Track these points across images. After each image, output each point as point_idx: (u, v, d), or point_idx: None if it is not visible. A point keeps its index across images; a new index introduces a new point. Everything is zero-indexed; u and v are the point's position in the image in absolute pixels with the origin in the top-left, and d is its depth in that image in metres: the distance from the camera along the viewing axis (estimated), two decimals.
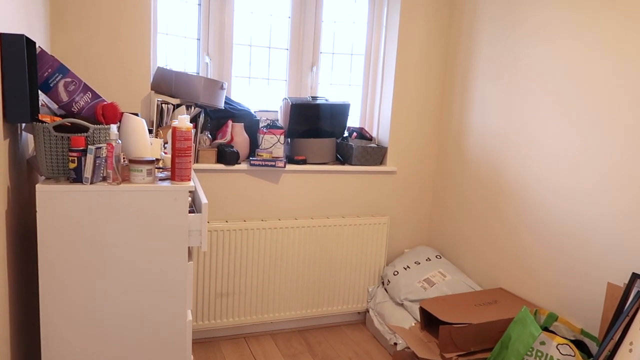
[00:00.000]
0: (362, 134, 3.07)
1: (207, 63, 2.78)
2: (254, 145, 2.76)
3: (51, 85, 1.67)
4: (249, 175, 2.72)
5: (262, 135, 2.70)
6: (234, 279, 2.70)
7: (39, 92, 1.67)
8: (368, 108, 3.14)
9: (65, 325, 1.60)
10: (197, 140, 2.57)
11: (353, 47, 3.09)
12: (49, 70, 1.66)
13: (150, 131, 2.42)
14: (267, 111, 2.98)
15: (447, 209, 3.04)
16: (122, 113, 1.74)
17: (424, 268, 2.84)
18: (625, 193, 1.98)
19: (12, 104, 1.46)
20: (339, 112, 2.89)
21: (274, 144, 2.71)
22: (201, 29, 2.75)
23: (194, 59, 2.79)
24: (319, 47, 3.00)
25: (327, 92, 3.09)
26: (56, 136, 1.54)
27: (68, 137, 1.55)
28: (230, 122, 2.64)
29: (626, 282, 1.96)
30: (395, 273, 2.87)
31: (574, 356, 1.90)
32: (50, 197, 1.52)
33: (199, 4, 2.74)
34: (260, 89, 2.98)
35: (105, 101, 1.73)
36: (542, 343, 1.96)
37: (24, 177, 1.75)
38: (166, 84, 2.50)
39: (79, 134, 1.55)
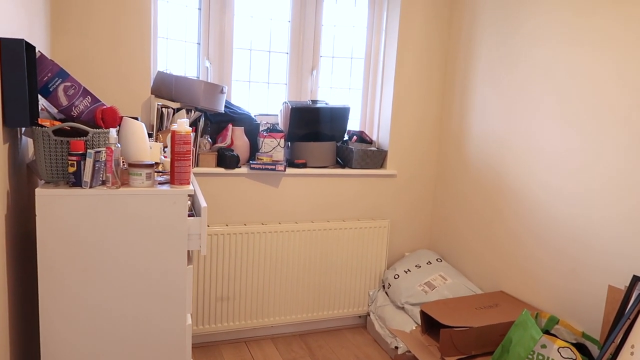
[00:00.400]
0: (362, 138, 3.07)
1: (207, 67, 2.79)
2: (254, 149, 2.76)
3: (51, 89, 1.67)
4: (249, 179, 2.72)
5: (262, 139, 2.70)
6: (234, 283, 2.70)
7: (39, 96, 1.68)
8: (368, 111, 3.15)
9: (64, 329, 1.60)
10: (197, 144, 2.57)
11: (353, 51, 3.09)
12: (49, 74, 1.66)
13: (150, 135, 2.42)
14: (267, 115, 2.98)
15: (448, 212, 3.03)
16: (122, 117, 1.75)
17: (425, 271, 2.83)
18: (626, 196, 1.98)
19: (12, 108, 1.46)
20: (339, 115, 2.89)
21: (274, 148, 2.71)
22: (201, 33, 2.76)
23: (194, 63, 2.79)
24: (319, 51, 3.00)
25: (327, 96, 3.09)
26: (56, 140, 1.54)
27: (67, 141, 1.55)
28: (230, 126, 2.65)
29: (627, 284, 1.95)
30: (396, 276, 2.86)
31: (575, 359, 1.89)
32: (50, 201, 1.52)
33: (199, 9, 2.75)
34: (261, 93, 2.98)
35: (105, 105, 1.73)
36: (543, 346, 1.95)
37: (24, 181, 1.75)
38: (166, 88, 2.51)
39: (79, 138, 1.55)
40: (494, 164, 2.66)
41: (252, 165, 2.65)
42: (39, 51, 1.66)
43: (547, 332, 2.15)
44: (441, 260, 2.94)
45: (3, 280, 1.47)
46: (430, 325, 2.44)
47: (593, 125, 2.10)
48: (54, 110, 1.81)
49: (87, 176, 1.54)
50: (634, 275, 1.85)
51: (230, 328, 2.73)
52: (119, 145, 1.62)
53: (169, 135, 1.75)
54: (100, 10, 2.35)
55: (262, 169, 2.65)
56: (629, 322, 1.76)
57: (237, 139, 2.67)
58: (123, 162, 1.72)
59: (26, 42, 1.50)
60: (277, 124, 2.94)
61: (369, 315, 2.96)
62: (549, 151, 2.31)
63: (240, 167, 2.67)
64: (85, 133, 1.58)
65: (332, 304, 2.94)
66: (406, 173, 3.07)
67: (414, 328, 2.53)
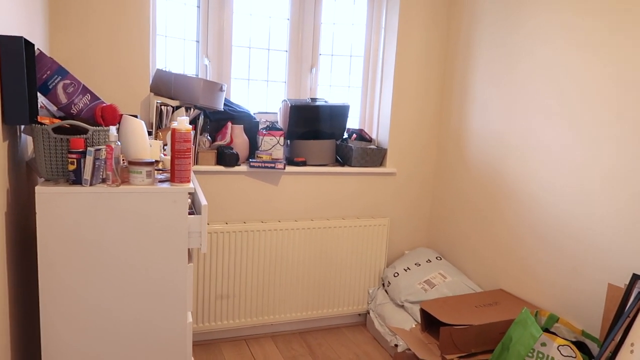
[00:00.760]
0: (361, 136, 3.07)
1: (206, 65, 2.78)
2: (253, 146, 2.76)
3: (50, 87, 1.67)
4: (248, 177, 2.71)
5: (261, 137, 2.70)
6: (234, 281, 2.70)
7: (38, 94, 1.67)
8: (367, 109, 3.14)
9: (65, 326, 1.60)
10: (196, 142, 2.56)
11: (352, 49, 3.09)
12: (48, 72, 1.66)
13: (149, 133, 2.42)
14: (266, 113, 2.98)
15: (447, 210, 3.03)
16: (122, 115, 1.74)
17: (425, 269, 2.83)
18: (625, 194, 1.98)
19: (11, 106, 1.46)
20: (339, 113, 2.88)
21: (273, 146, 2.71)
22: (200, 31, 2.75)
23: (193, 60, 2.79)
24: (318, 49, 3.00)
25: (327, 94, 3.09)
26: (55, 138, 1.54)
27: (67, 139, 1.55)
28: (229, 124, 2.64)
29: (627, 283, 1.95)
30: (396, 274, 2.86)
31: (575, 357, 1.90)
32: (50, 199, 1.52)
33: (198, 6, 2.74)
34: (260, 91, 2.98)
35: (105, 103, 1.72)
36: (543, 344, 1.95)
37: (24, 179, 1.75)
38: (165, 85, 2.50)
39: (78, 136, 1.55)
40: (494, 162, 2.66)
41: (251, 164, 2.64)
42: (38, 49, 1.65)
43: (546, 330, 2.16)
44: (441, 259, 2.94)
45: (3, 278, 1.46)
46: (430, 323, 2.44)
47: (592, 123, 2.11)
48: (53, 108, 1.80)
49: (87, 174, 1.54)
50: (634, 274, 1.85)
51: (231, 326, 2.73)
52: (119, 143, 1.61)
53: (169, 133, 1.75)
54: (99, 8, 2.34)
55: (261, 167, 2.65)
56: (628, 320, 1.76)
57: (236, 137, 2.67)
58: (123, 160, 1.72)
59: (25, 39, 1.49)
60: (277, 122, 2.93)
61: (369, 313, 2.96)
62: (549, 149, 2.31)
63: (239, 165, 2.67)
64: (85, 131, 1.57)
65: (332, 302, 2.94)
66: (406, 171, 3.07)
67: (414, 326, 2.53)
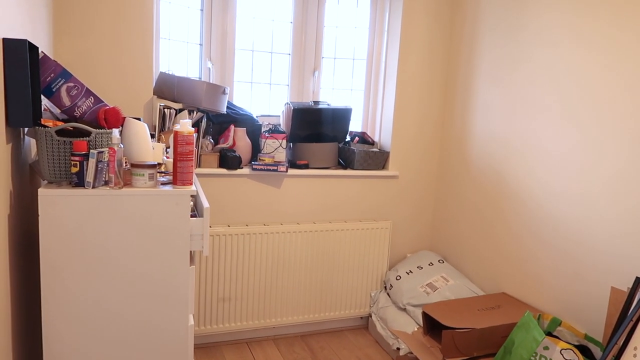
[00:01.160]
0: (364, 139, 3.07)
1: (209, 68, 2.79)
2: (256, 149, 2.76)
3: (54, 89, 1.68)
4: (251, 180, 2.72)
5: (264, 140, 2.70)
6: (236, 284, 2.70)
7: (42, 96, 1.68)
8: (370, 112, 3.15)
9: (67, 329, 1.60)
10: (199, 144, 2.57)
11: (355, 52, 3.09)
12: (52, 75, 1.67)
13: (152, 136, 2.43)
14: (269, 116, 2.98)
15: (450, 213, 3.03)
16: (124, 117, 1.75)
17: (427, 273, 2.83)
18: (629, 197, 1.97)
19: (15, 108, 1.46)
20: (341, 116, 2.89)
21: (276, 149, 2.71)
22: (203, 34, 2.76)
23: (196, 64, 2.80)
24: (321, 52, 3.00)
25: (329, 97, 3.09)
26: (58, 140, 1.55)
27: (70, 142, 1.55)
28: (232, 127, 2.65)
29: (630, 286, 1.94)
30: (398, 278, 2.86)
31: None
32: (53, 201, 1.52)
33: (202, 10, 2.75)
34: (263, 94, 2.98)
35: (108, 106, 1.73)
36: (546, 348, 1.94)
37: (27, 181, 1.75)
38: (168, 88, 2.51)
39: (81, 139, 1.55)
40: (496, 165, 2.65)
41: (254, 166, 2.65)
42: (42, 52, 1.66)
43: (549, 333, 2.15)
44: (443, 262, 2.93)
45: (5, 280, 1.47)
46: (432, 326, 2.44)
47: (595, 126, 2.10)
48: (56, 111, 1.81)
49: (89, 176, 1.55)
50: (637, 277, 1.85)
51: (232, 329, 2.73)
52: (122, 146, 1.62)
53: (172, 135, 1.75)
54: (103, 11, 2.35)
55: (264, 170, 2.65)
56: (631, 323, 1.75)
57: (239, 139, 2.67)
58: (126, 162, 1.72)
59: (29, 42, 1.50)
60: (279, 125, 2.94)
61: (371, 316, 2.96)
62: (552, 153, 2.31)
63: (242, 167, 2.68)
64: (88, 133, 1.58)
65: (334, 305, 2.94)
66: (408, 174, 3.07)
67: (416, 329, 2.53)
